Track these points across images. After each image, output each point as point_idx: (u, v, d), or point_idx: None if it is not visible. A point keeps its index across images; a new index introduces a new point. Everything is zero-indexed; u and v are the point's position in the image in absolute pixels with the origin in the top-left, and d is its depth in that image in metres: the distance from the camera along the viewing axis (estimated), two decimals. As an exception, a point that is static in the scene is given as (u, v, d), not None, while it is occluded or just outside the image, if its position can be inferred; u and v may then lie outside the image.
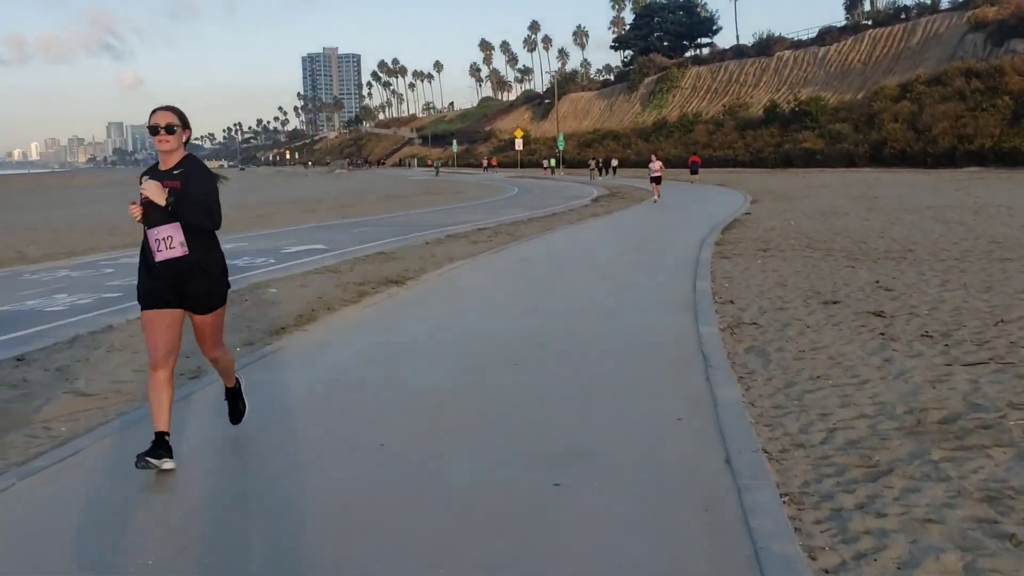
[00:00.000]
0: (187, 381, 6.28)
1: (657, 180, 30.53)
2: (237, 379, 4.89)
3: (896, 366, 6.09)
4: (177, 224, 4.19)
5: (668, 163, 59.04)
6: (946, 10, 69.35)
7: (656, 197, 29.73)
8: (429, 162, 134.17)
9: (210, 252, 4.43)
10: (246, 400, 4.95)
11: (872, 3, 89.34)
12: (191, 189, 4.22)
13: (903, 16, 73.72)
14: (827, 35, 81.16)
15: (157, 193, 4.12)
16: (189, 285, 4.32)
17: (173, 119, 4.27)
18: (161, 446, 4.17)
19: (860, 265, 11.39)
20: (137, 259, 4.55)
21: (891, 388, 5.54)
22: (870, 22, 77.77)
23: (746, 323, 7.86)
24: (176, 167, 4.31)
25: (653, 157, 32.76)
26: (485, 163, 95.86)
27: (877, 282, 9.79)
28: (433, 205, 33.42)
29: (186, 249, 4.23)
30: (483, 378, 6.10)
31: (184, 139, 4.37)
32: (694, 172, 48.47)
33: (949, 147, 48.56)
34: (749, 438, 4.57)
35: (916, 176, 41.49)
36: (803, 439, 4.59)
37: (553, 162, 77.56)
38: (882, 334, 7.15)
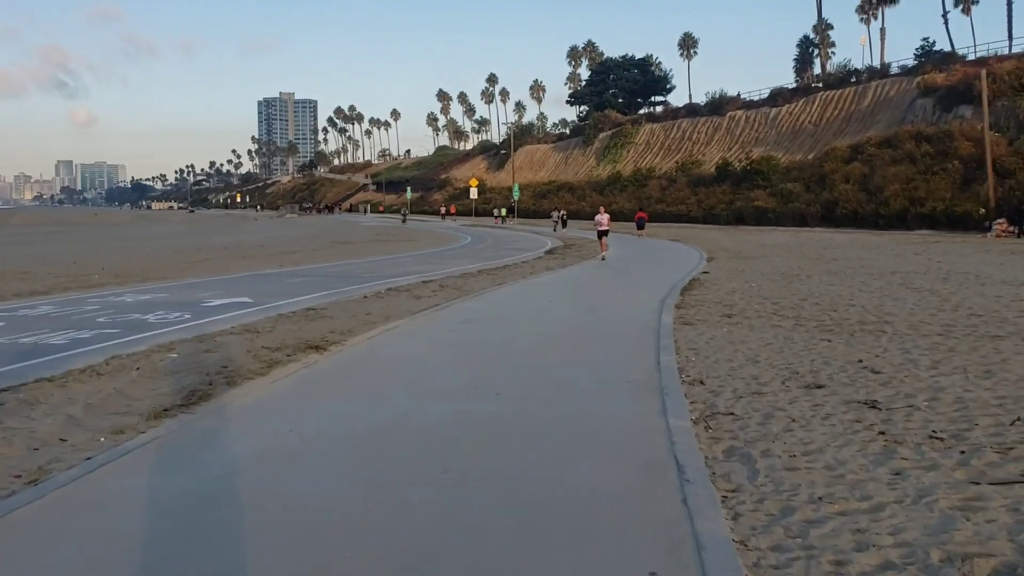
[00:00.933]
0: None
1: (604, 234, 28.19)
2: None
3: (912, 483, 4.92)
4: None
5: (621, 216, 58.95)
6: (896, 75, 70.95)
7: (603, 253, 27.41)
8: (380, 208, 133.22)
9: None
10: None
11: (823, 66, 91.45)
12: None
13: (853, 80, 75.21)
14: (778, 96, 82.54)
15: None
16: None
17: None
18: None
19: (836, 338, 10.34)
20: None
21: (915, 519, 4.34)
22: (821, 84, 79.20)
23: (721, 412, 6.67)
24: None
25: (601, 209, 30.01)
26: (443, 211, 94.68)
27: (860, 361, 8.71)
28: (381, 254, 32.10)
29: None
30: (394, 496, 4.75)
31: None
32: (640, 227, 48.45)
33: (901, 209, 48.87)
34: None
35: (869, 237, 41.42)
36: (822, 612, 3.34)
37: (504, 211, 79.04)
38: (882, 433, 6.01)
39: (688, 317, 12.40)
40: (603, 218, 28.60)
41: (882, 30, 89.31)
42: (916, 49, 73.28)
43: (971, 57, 67.56)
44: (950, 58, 68.40)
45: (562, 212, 65.58)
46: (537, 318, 12.51)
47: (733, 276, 19.85)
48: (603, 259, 26.66)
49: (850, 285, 16.88)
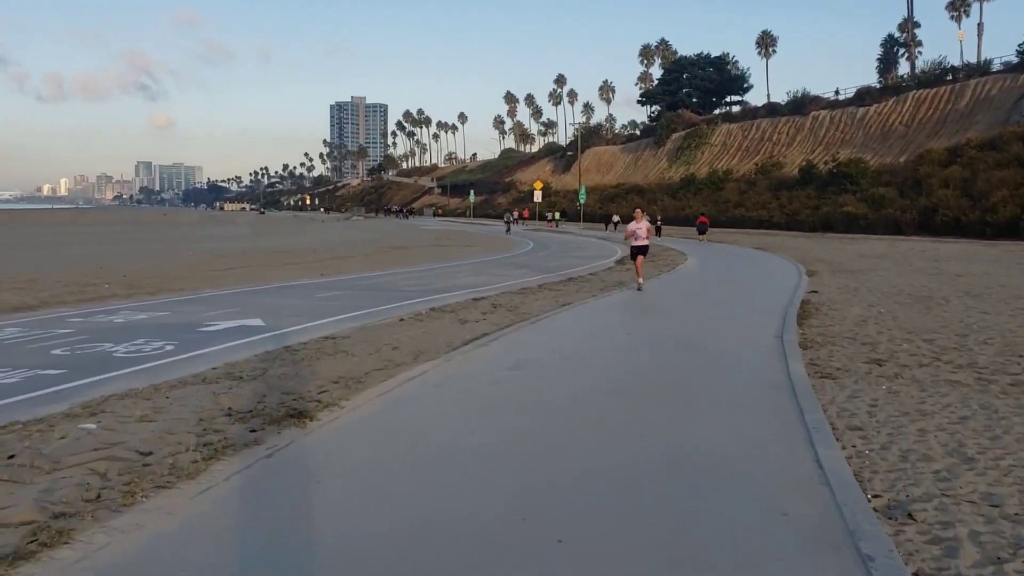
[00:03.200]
0: None
1: (642, 252, 18.49)
2: None
3: None
4: None
5: (693, 222, 55.51)
6: (998, 72, 65.33)
7: (639, 280, 18.00)
8: (439, 212, 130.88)
9: None
10: None
11: (912, 65, 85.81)
12: None
13: (949, 78, 69.74)
14: (866, 95, 77.39)
15: None
16: None
17: None
18: None
19: (1061, 408, 6.99)
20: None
21: None
22: (914, 82, 73.82)
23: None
24: None
25: (637, 213, 19.36)
26: (511, 217, 74.15)
27: None
28: (436, 261, 29.34)
29: None
30: None
31: None
32: (702, 232, 47.94)
33: (1011, 217, 43.99)
34: None
35: (979, 248, 36.96)
36: None
37: (557, 215, 78.53)
38: None
39: (823, 364, 9.12)
40: (640, 227, 18.63)
41: (979, 25, 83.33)
42: (1019, 45, 67.37)
43: (1087, 51, 61.56)
44: (1062, 52, 62.58)
45: (610, 216, 69.00)
46: (613, 361, 9.38)
47: (850, 297, 16.35)
48: (639, 290, 17.60)
49: (1010, 314, 13.28)
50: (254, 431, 6.06)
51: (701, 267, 26.48)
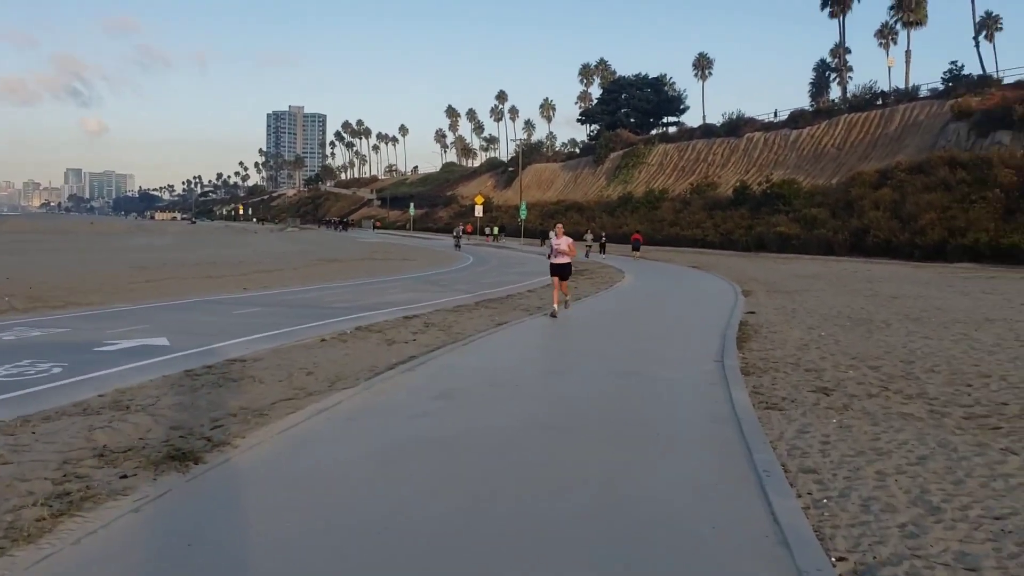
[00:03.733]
0: None
1: (562, 273, 16.12)
2: None
3: None
4: None
5: (628, 240, 55.61)
6: (926, 98, 67.28)
7: (556, 305, 15.75)
8: (377, 223, 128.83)
9: None
10: None
11: (844, 90, 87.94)
12: None
13: (880, 102, 71.59)
14: (799, 118, 78.93)
15: None
16: None
17: None
18: None
19: (1018, 444, 6.55)
20: None
21: None
22: (846, 106, 75.63)
23: None
24: None
25: (559, 229, 17.45)
26: (458, 229, 69.33)
27: None
28: (370, 275, 28.38)
29: None
30: None
31: None
32: (636, 249, 49.80)
33: (940, 239, 44.95)
34: None
35: (909, 270, 37.56)
36: None
37: (496, 230, 78.70)
38: None
39: (767, 392, 8.59)
40: (561, 242, 16.44)
41: (907, 52, 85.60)
42: (944, 73, 69.56)
43: (1008, 80, 63.81)
44: (985, 81, 64.74)
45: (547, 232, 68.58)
46: (546, 390, 8.70)
47: (788, 319, 16.04)
48: (553, 315, 15.28)
49: (951, 339, 13.04)
50: (125, 477, 5.19)
51: (638, 285, 26.11)
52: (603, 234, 56.41)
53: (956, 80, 67.67)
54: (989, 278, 31.30)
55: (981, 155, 52.96)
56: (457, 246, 58.38)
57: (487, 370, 9.57)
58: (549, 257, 16.68)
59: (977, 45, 76.00)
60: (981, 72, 70.79)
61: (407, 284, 24.77)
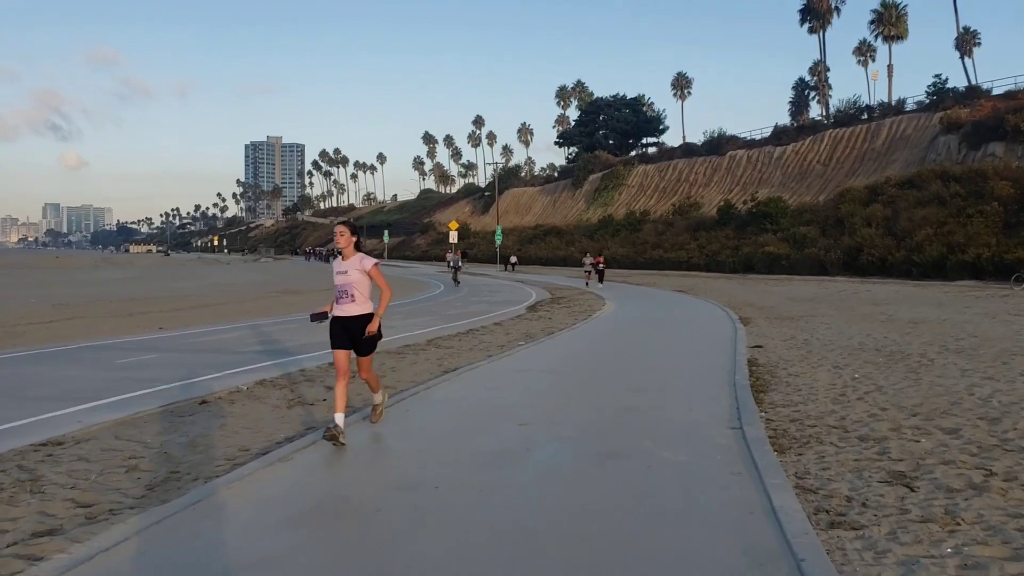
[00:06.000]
0: None
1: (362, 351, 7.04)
2: None
3: None
4: None
5: (613, 263, 50.99)
6: (913, 111, 65.32)
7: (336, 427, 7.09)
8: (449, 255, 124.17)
9: None
10: None
11: (826, 105, 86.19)
12: None
13: (865, 117, 69.60)
14: (783, 134, 76.95)
15: None
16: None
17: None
18: None
19: None
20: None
21: None
22: (831, 121, 73.65)
23: None
24: None
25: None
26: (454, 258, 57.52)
27: None
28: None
29: None
30: None
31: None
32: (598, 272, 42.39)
33: (938, 256, 42.45)
34: None
35: (912, 289, 34.92)
36: None
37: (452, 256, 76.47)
38: None
39: (821, 487, 5.62)
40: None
41: (889, 67, 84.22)
42: (928, 86, 67.65)
43: (998, 91, 61.93)
44: (973, 92, 62.89)
45: (508, 257, 68.16)
46: (486, 497, 5.64)
47: (804, 354, 13.15)
48: (330, 439, 6.86)
49: (1014, 377, 10.18)
50: None
51: (621, 314, 23.23)
52: (601, 259, 44.44)
53: (942, 93, 65.76)
54: (1002, 296, 28.67)
55: (975, 167, 50.83)
56: (455, 279, 43.25)
57: (400, 455, 6.60)
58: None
59: (962, 57, 74.28)
60: (968, 84, 69.02)
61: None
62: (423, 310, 24.69)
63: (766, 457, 6.29)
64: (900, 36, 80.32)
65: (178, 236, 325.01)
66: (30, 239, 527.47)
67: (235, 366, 11.82)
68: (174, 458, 6.48)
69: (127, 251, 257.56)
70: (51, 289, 37.21)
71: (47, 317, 20.58)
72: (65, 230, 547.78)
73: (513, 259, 69.83)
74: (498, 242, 71.55)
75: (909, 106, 67.63)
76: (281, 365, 11.92)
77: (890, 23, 78.49)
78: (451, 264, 45.87)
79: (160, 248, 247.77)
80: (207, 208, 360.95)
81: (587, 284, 40.36)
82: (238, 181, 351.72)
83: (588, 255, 45.17)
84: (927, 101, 66.02)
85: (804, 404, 8.75)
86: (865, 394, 9.30)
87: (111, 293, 33.68)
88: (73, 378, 10.66)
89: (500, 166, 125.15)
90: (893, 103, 70.84)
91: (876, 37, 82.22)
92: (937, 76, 67.45)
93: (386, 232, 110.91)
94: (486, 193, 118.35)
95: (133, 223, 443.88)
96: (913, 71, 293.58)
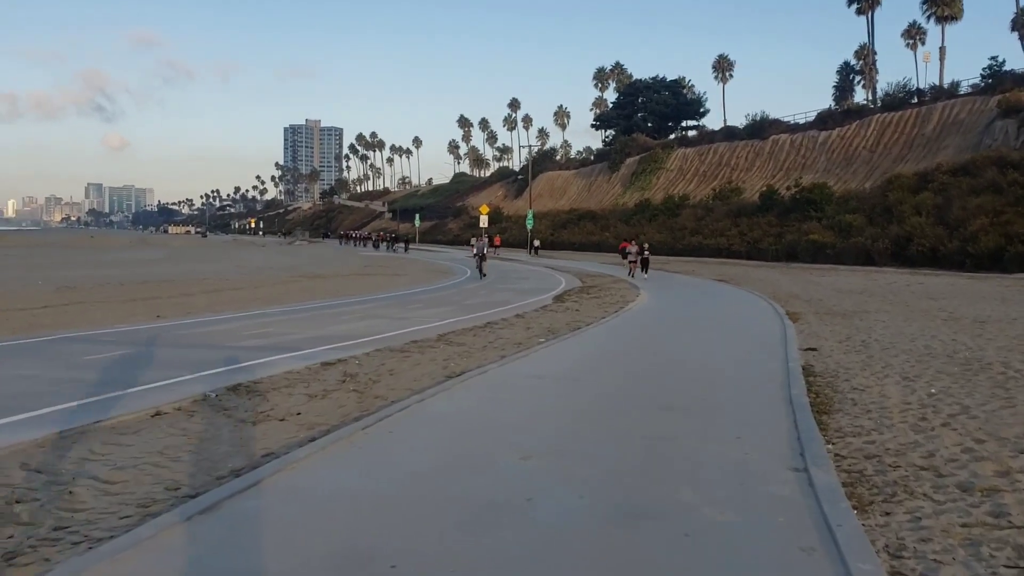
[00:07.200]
0: None
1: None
2: None
3: None
4: None
5: (654, 250, 47.62)
6: (967, 95, 62.21)
7: None
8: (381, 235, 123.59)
9: None
10: None
11: (872, 89, 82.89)
12: None
13: (914, 101, 66.58)
14: (828, 119, 74.06)
15: None
16: None
17: None
18: None
19: None
20: None
21: None
22: (879, 104, 70.64)
23: None
24: None
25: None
26: (481, 244, 46.35)
27: None
28: (342, 295, 23.93)
29: None
30: None
31: None
32: (625, 257, 39.17)
33: (995, 247, 39.96)
34: None
35: (968, 282, 32.72)
36: None
37: (487, 240, 73.18)
38: None
39: (929, 579, 4.07)
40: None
41: (941, 49, 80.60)
42: (984, 68, 64.39)
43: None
44: (1034, 74, 59.63)
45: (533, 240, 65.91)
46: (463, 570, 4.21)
47: (865, 360, 11.44)
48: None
49: None
50: None
51: (656, 307, 21.58)
52: (647, 247, 38.35)
53: (999, 75, 62.48)
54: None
55: (1035, 154, 48.05)
56: (480, 269, 35.65)
57: (355, 507, 5.10)
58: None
59: (1022, 39, 70.54)
60: (1025, 67, 65.62)
61: (375, 307, 20.36)
62: (443, 299, 23.24)
63: (845, 520, 4.68)
64: (954, 16, 76.79)
65: (217, 218, 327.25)
66: (73, 219, 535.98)
67: (209, 367, 10.39)
68: (22, 536, 5.03)
69: (166, 232, 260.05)
70: (68, 271, 36.37)
71: (43, 302, 19.45)
72: (107, 210, 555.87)
73: (536, 243, 69.45)
74: (529, 226, 69.93)
75: (963, 89, 64.43)
76: (264, 365, 10.50)
77: (944, 3, 75.04)
78: (476, 251, 38.03)
79: (198, 229, 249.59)
80: (247, 191, 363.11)
81: (631, 275, 35.05)
82: (277, 164, 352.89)
83: (633, 243, 38.82)
84: (982, 84, 62.82)
85: (879, 432, 7.11)
86: (950, 418, 7.63)
87: (128, 275, 32.70)
88: (18, 379, 9.33)
89: (535, 149, 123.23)
90: (945, 86, 67.60)
91: (928, 18, 78.79)
92: (993, 58, 64.20)
93: (417, 216, 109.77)
94: (519, 176, 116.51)
95: (174, 204, 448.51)
96: (965, 54, 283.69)
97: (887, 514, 4.96)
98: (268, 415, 7.59)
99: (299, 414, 7.64)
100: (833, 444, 6.66)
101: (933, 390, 9.08)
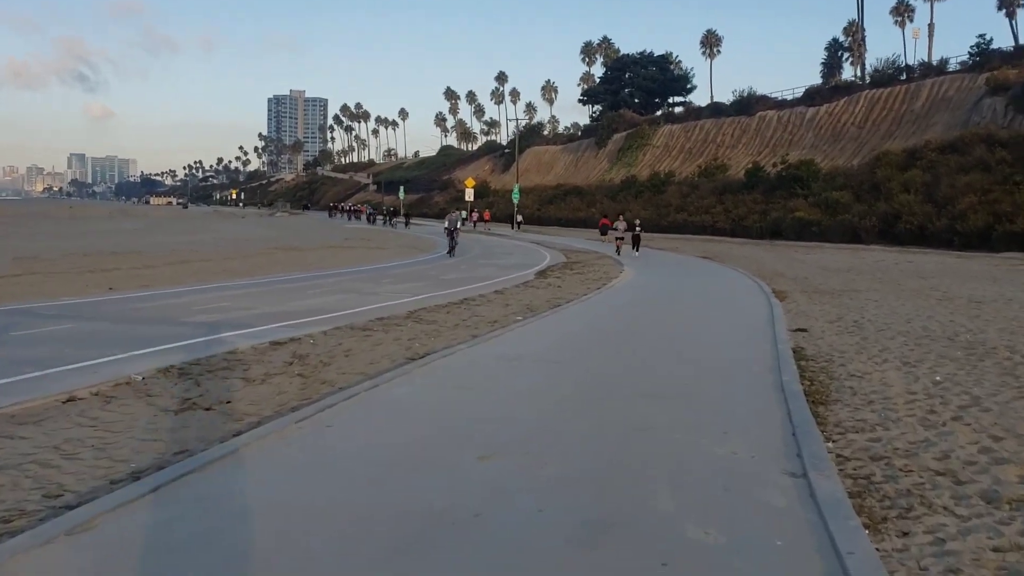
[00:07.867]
0: None
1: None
2: None
3: None
4: None
5: (649, 227, 46.54)
6: (956, 72, 61.45)
7: None
8: (362, 208, 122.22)
9: None
10: None
11: (862, 66, 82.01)
12: None
13: (903, 77, 65.77)
14: (815, 95, 73.17)
15: None
16: None
17: None
18: None
19: None
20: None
21: None
22: (867, 81, 69.82)
23: None
24: None
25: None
26: (453, 217, 45.03)
27: None
28: (317, 268, 23.02)
29: None
30: None
31: None
32: (603, 233, 41.22)
33: (983, 226, 39.38)
34: None
35: (957, 260, 32.14)
36: None
37: (464, 213, 69.21)
38: None
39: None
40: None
41: (930, 26, 79.96)
42: (972, 46, 63.49)
43: (1049, 51, 57.98)
44: (1022, 53, 58.89)
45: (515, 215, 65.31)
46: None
47: (859, 342, 10.68)
48: None
49: None
50: None
51: (640, 284, 20.78)
52: (637, 223, 37.08)
53: (987, 53, 61.68)
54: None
55: (1023, 132, 47.39)
56: (451, 249, 31.93)
57: (271, 520, 4.26)
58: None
59: (1009, 17, 69.81)
60: (1015, 44, 64.92)
61: (349, 281, 19.45)
62: (420, 274, 22.34)
63: (857, 545, 3.88)
64: (945, -8, 75.87)
65: (200, 189, 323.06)
66: (55, 189, 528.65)
67: (144, 345, 9.49)
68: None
69: (147, 203, 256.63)
70: (36, 242, 35.18)
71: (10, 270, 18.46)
72: (90, 180, 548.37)
73: (519, 218, 68.24)
74: (515, 201, 68.93)
75: (952, 67, 63.65)
76: (209, 343, 9.63)
77: (935, -22, 74.08)
78: (447, 226, 33.87)
79: (180, 200, 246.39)
80: (229, 162, 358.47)
81: (619, 252, 33.03)
82: (260, 135, 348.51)
83: (621, 218, 36.78)
84: (970, 62, 62.07)
85: (884, 427, 6.32)
86: (961, 410, 6.86)
87: (97, 246, 31.60)
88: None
89: (523, 124, 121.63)
90: (934, 63, 66.81)
91: (919, -7, 77.87)
92: (981, 36, 63.36)
93: (402, 189, 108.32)
94: (507, 151, 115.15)
95: (157, 175, 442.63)
96: (954, 32, 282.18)
97: (905, 534, 4.17)
98: (194, 403, 6.72)
99: (229, 402, 6.78)
100: (834, 442, 5.88)
101: (938, 377, 8.32)
